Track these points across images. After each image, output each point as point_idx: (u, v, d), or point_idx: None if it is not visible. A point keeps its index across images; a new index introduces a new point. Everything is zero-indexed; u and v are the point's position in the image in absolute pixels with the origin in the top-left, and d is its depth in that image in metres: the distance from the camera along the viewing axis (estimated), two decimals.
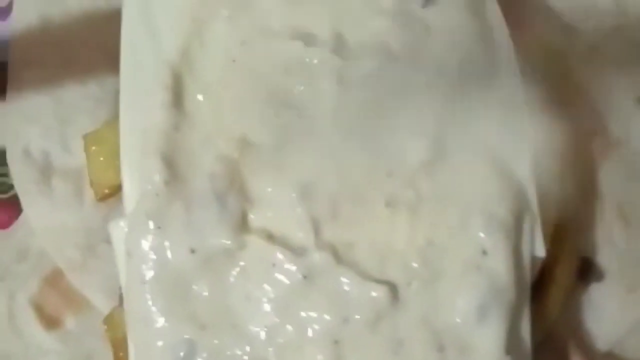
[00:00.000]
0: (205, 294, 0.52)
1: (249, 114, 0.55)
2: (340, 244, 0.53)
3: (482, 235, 0.53)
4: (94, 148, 0.59)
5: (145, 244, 0.53)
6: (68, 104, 0.68)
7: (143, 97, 0.56)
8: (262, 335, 0.52)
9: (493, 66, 0.59)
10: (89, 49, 0.69)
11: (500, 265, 0.53)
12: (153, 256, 0.53)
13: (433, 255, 0.53)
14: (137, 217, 0.53)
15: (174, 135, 0.54)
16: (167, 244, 0.52)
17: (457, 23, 0.59)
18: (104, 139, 0.59)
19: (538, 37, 0.69)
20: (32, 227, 0.66)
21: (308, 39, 0.57)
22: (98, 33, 0.69)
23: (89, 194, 0.65)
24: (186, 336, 0.52)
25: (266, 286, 0.52)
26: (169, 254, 0.52)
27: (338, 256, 0.52)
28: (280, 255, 0.52)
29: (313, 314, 0.51)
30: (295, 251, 0.52)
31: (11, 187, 0.67)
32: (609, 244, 0.65)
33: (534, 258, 0.55)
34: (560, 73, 0.69)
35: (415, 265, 0.53)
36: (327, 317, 0.51)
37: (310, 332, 0.51)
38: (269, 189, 0.54)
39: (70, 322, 0.65)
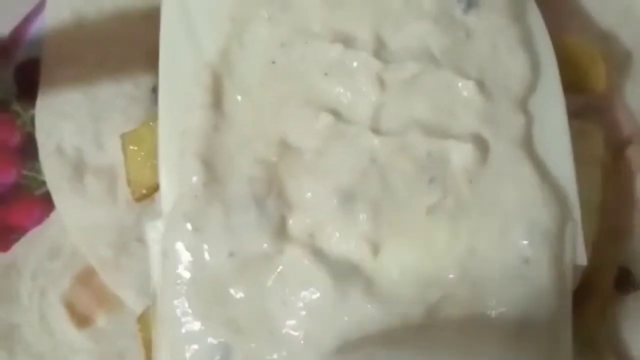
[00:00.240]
0: (242, 297, 0.52)
1: (288, 117, 0.55)
2: (380, 255, 0.52)
3: (524, 243, 0.53)
4: (132, 147, 0.58)
5: (182, 246, 0.52)
6: (102, 102, 0.68)
7: (182, 98, 0.55)
8: (300, 340, 0.51)
9: (535, 70, 0.58)
10: (123, 47, 0.69)
11: (542, 274, 0.52)
12: (190, 258, 0.52)
13: (473, 264, 0.52)
14: (174, 218, 0.53)
15: (213, 136, 0.54)
16: (205, 246, 0.52)
17: (498, 28, 0.58)
18: (142, 138, 0.58)
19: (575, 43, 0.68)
20: (64, 224, 0.65)
21: (348, 42, 0.56)
22: (133, 31, 0.69)
23: (122, 192, 0.65)
24: (222, 340, 0.52)
25: (304, 294, 0.51)
26: (206, 256, 0.52)
27: (377, 270, 0.52)
28: (316, 273, 0.51)
29: (353, 321, 0.51)
30: (333, 267, 0.51)
31: (43, 183, 0.67)
32: None
33: (575, 266, 0.54)
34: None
35: (454, 275, 0.52)
36: (367, 327, 0.51)
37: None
38: (309, 194, 0.53)
39: (101, 320, 0.64)
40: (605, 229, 0.63)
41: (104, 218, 0.65)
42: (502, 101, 0.56)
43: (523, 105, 0.56)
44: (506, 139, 0.55)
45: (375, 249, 0.52)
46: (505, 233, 0.53)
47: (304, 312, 0.51)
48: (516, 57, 0.57)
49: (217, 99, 0.55)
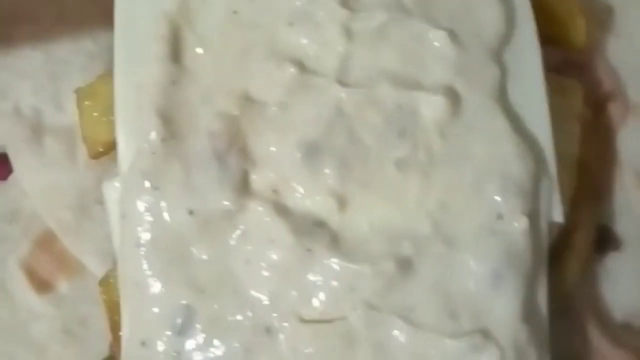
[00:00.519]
0: (204, 257, 0.50)
1: (251, 69, 0.53)
2: (347, 210, 0.50)
3: (497, 198, 0.51)
4: (87, 103, 0.56)
5: (141, 205, 0.50)
6: (60, 60, 0.65)
7: (139, 50, 0.53)
8: (265, 300, 0.49)
9: (509, 21, 0.55)
10: (81, 3, 0.67)
11: (516, 230, 0.50)
12: (149, 218, 0.50)
13: (446, 219, 0.50)
14: (132, 177, 0.51)
15: (171, 90, 0.52)
16: (164, 204, 0.50)
17: None
18: (98, 93, 0.56)
19: None
20: (22, 187, 0.64)
21: None
22: None
23: (82, 153, 0.62)
24: (184, 301, 0.50)
25: (267, 252, 0.49)
26: (166, 215, 0.50)
27: (344, 225, 0.50)
28: (278, 231, 0.49)
29: (319, 279, 0.49)
30: (296, 224, 0.49)
31: (1, 146, 0.65)
32: (627, 212, 0.63)
33: (551, 224, 0.53)
34: None
35: (427, 230, 0.50)
36: (334, 283, 0.49)
37: (315, 302, 0.49)
38: (272, 149, 0.51)
39: (63, 286, 0.63)
40: (585, 187, 0.61)
41: (63, 180, 0.63)
42: (475, 52, 0.54)
43: (497, 56, 0.54)
44: (479, 91, 0.53)
45: (342, 204, 0.50)
46: (478, 188, 0.51)
47: (267, 271, 0.49)
48: (490, 7, 0.55)
49: (175, 51, 0.52)
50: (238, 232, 0.50)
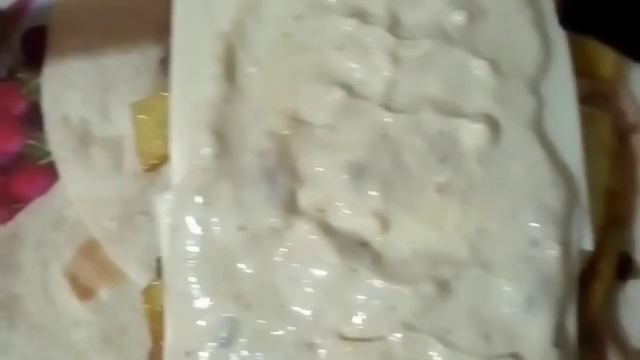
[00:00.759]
0: (251, 272, 0.52)
1: (301, 91, 0.54)
2: (389, 232, 0.52)
3: (533, 225, 0.52)
4: (141, 117, 0.58)
5: (192, 219, 0.52)
6: (109, 72, 0.67)
7: (195, 69, 0.55)
8: (308, 316, 0.51)
9: (547, 53, 0.57)
10: (130, 17, 0.68)
11: (550, 257, 0.52)
12: (200, 232, 0.52)
13: (483, 244, 0.52)
14: (184, 191, 0.52)
15: (225, 108, 0.54)
16: (215, 220, 0.51)
17: (512, 8, 0.57)
18: (152, 107, 0.57)
19: None
20: (68, 195, 0.65)
21: (363, 16, 0.56)
22: (140, 1, 0.68)
23: (128, 164, 0.64)
24: (229, 315, 0.51)
25: (311, 270, 0.51)
26: (216, 230, 0.51)
27: (385, 246, 0.52)
28: (323, 250, 0.51)
29: (360, 297, 0.51)
30: (341, 243, 0.51)
31: (47, 153, 0.66)
32: None
33: (581, 251, 0.54)
34: None
35: (464, 254, 0.52)
36: (375, 302, 0.51)
37: (356, 320, 0.51)
38: (319, 169, 0.53)
39: (104, 293, 0.64)
40: (609, 215, 0.63)
41: (108, 190, 0.64)
42: (515, 82, 0.56)
43: (535, 87, 0.56)
44: (517, 120, 0.55)
45: (385, 225, 0.52)
46: (514, 214, 0.53)
47: (312, 288, 0.51)
48: (530, 39, 0.57)
49: (229, 71, 0.54)
50: (284, 249, 0.51)
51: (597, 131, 0.63)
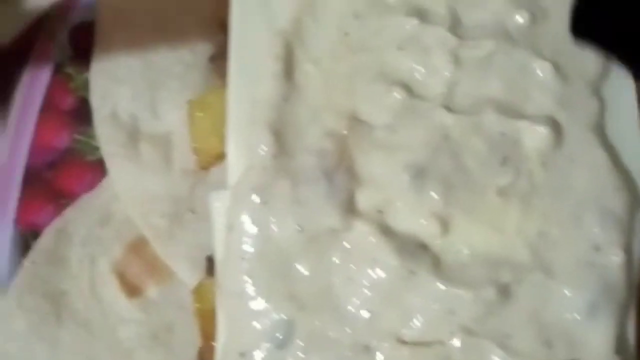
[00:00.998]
0: (307, 273, 0.51)
1: (360, 91, 0.54)
2: (449, 234, 0.51)
3: (596, 230, 0.51)
4: (198, 114, 0.57)
5: (249, 219, 0.51)
6: (158, 68, 0.67)
7: (253, 66, 0.54)
8: (365, 319, 0.50)
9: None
10: (181, 13, 0.68)
11: (613, 263, 0.51)
12: (256, 232, 0.51)
13: (544, 248, 0.51)
14: (241, 190, 0.52)
15: (283, 107, 0.53)
16: (272, 219, 0.51)
17: None
18: (210, 105, 0.57)
19: None
20: (116, 191, 0.64)
21: (423, 16, 0.55)
22: None
23: (177, 161, 0.64)
24: (285, 316, 0.50)
25: (369, 272, 0.50)
26: (273, 230, 0.51)
27: (445, 249, 0.51)
28: (383, 252, 0.50)
29: (419, 301, 0.50)
30: (400, 245, 0.50)
31: (95, 149, 0.66)
32: None
33: None
34: None
35: (525, 259, 0.51)
36: (434, 306, 0.50)
37: (415, 323, 0.50)
38: (379, 170, 0.52)
39: (152, 291, 0.63)
40: None
41: (158, 187, 0.64)
42: (577, 84, 0.55)
43: (596, 89, 0.55)
44: (580, 123, 0.54)
45: (445, 228, 0.51)
46: (577, 219, 0.52)
47: (369, 290, 0.50)
48: None
49: (288, 69, 0.54)
50: (342, 250, 0.51)
51: None
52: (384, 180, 0.52)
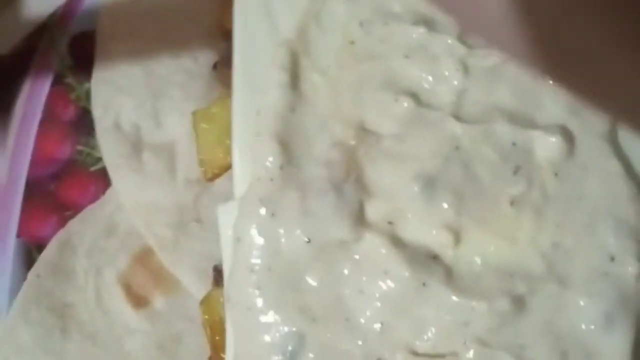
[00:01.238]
0: (317, 285, 0.50)
1: (367, 100, 0.53)
2: (461, 245, 0.50)
3: (610, 240, 0.51)
4: (204, 126, 0.57)
5: (257, 231, 0.50)
6: (160, 77, 0.66)
7: (258, 77, 0.53)
8: (377, 331, 0.50)
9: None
10: (182, 21, 0.67)
11: (628, 273, 0.50)
12: (265, 244, 0.50)
13: (558, 259, 0.51)
14: (249, 202, 0.51)
15: (289, 117, 0.52)
16: (281, 231, 0.50)
17: None
18: (215, 116, 0.56)
19: None
20: (120, 202, 0.64)
21: (431, 24, 0.54)
22: (192, 5, 0.67)
23: (181, 170, 0.63)
24: (295, 329, 0.50)
25: (380, 283, 0.50)
26: (282, 242, 0.50)
27: (457, 259, 0.50)
28: (394, 263, 0.50)
29: (432, 312, 0.49)
30: (411, 256, 0.50)
31: (98, 159, 0.65)
32: None
33: None
34: None
35: (539, 269, 0.50)
36: (447, 317, 0.49)
37: (428, 335, 0.49)
38: (388, 180, 0.51)
39: (158, 301, 0.63)
40: None
41: (162, 197, 0.63)
42: None
43: None
44: (592, 132, 0.53)
45: (457, 238, 0.50)
46: (591, 229, 0.51)
47: (380, 302, 0.50)
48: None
49: (294, 79, 0.53)
50: (352, 261, 0.50)
51: None
52: (393, 190, 0.51)
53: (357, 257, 0.50)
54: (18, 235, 0.64)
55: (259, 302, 0.50)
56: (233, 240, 0.51)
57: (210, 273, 0.58)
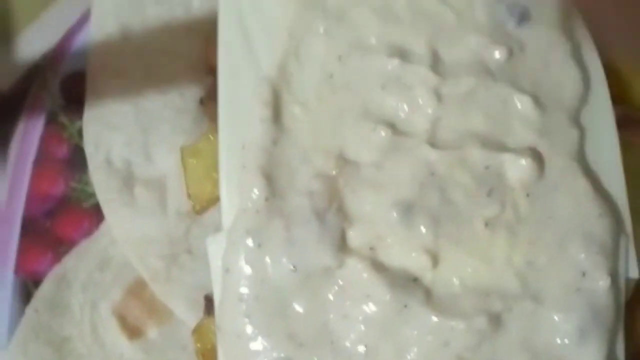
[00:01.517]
0: (304, 311, 0.52)
1: (346, 131, 0.55)
2: (439, 267, 0.53)
3: (581, 257, 0.53)
4: (191, 161, 0.59)
5: (245, 261, 0.53)
6: (149, 113, 0.68)
7: (242, 112, 0.56)
8: (362, 354, 0.51)
9: (586, 83, 0.58)
10: (168, 59, 0.70)
11: (600, 288, 0.53)
12: (252, 273, 0.52)
13: (532, 277, 0.53)
14: (236, 234, 0.53)
15: (272, 150, 0.54)
16: (267, 261, 0.52)
17: (550, 42, 0.58)
18: (202, 151, 0.59)
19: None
20: (114, 236, 0.66)
21: (404, 55, 0.56)
22: (177, 43, 0.70)
23: (172, 203, 0.65)
24: (284, 355, 0.52)
25: (364, 307, 0.52)
26: (269, 271, 0.52)
27: (436, 281, 0.52)
28: (375, 287, 0.52)
29: (414, 333, 0.51)
30: (392, 280, 0.52)
31: (91, 195, 0.67)
32: None
33: (628, 279, 0.55)
34: None
35: (514, 287, 0.52)
36: (428, 337, 0.51)
37: (410, 355, 0.51)
38: (368, 207, 0.53)
39: (152, 332, 0.65)
40: None
41: (154, 229, 0.65)
42: (557, 115, 0.56)
43: (576, 118, 0.57)
44: (561, 153, 0.55)
45: (435, 260, 0.52)
46: (563, 246, 0.53)
47: (364, 325, 0.52)
48: (569, 71, 0.58)
49: (276, 113, 0.55)
50: (336, 287, 0.52)
51: (634, 156, 0.63)
52: (373, 217, 0.53)
53: (340, 282, 0.52)
54: (15, 272, 0.66)
55: (249, 329, 0.52)
56: (222, 271, 0.54)
57: (202, 302, 0.60)
